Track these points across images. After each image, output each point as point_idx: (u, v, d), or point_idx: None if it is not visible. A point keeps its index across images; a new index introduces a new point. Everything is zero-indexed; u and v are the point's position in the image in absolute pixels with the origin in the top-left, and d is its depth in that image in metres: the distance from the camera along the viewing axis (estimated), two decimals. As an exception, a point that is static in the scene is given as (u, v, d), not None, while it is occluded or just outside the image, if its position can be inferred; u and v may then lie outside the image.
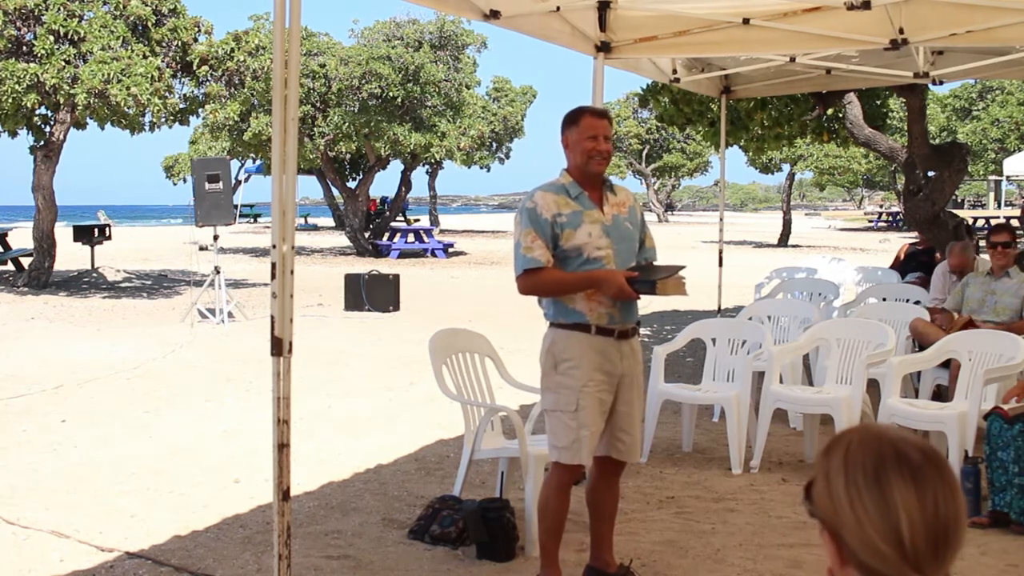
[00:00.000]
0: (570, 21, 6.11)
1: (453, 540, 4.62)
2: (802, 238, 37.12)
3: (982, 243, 7.96)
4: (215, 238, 13.38)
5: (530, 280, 3.88)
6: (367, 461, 6.19)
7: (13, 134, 15.70)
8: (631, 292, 3.82)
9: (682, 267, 3.99)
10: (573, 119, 3.96)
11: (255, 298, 15.74)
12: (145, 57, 14.64)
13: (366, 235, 27.75)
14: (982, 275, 7.09)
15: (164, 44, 15.33)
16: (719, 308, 9.50)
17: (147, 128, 15.77)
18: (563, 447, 3.91)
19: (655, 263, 4.11)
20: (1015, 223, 27.03)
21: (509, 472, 5.08)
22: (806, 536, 4.80)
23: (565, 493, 4.02)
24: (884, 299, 8.52)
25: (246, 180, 39.33)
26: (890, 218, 49.76)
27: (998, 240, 6.95)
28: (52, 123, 15.98)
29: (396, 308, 14.27)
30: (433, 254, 26.84)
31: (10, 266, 18.81)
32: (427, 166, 36.65)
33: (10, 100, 14.12)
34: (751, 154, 20.05)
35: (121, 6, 14.92)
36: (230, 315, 12.80)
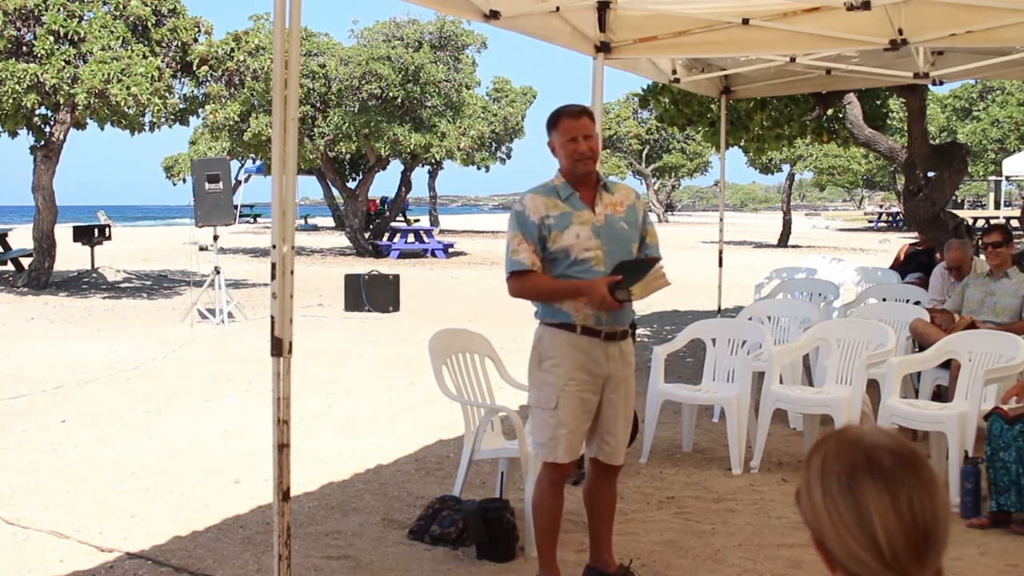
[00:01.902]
0: (570, 21, 6.11)
1: (453, 540, 4.62)
2: (802, 238, 37.12)
3: (981, 244, 7.96)
4: (215, 238, 13.38)
5: (517, 283, 3.90)
6: (367, 461, 6.19)
7: (13, 134, 15.70)
8: (613, 303, 3.79)
9: (656, 259, 3.94)
10: (552, 122, 3.95)
11: (255, 298, 15.74)
12: (145, 57, 14.64)
13: (366, 235, 27.75)
14: (981, 276, 7.10)
15: (164, 44, 15.33)
16: (719, 308, 9.50)
17: (147, 128, 15.77)
18: (540, 443, 3.95)
19: (635, 259, 3.99)
20: (1015, 223, 27.09)
21: (509, 472, 5.08)
22: (806, 536, 4.77)
23: (557, 491, 4.03)
24: (884, 299, 8.52)
25: (246, 180, 39.35)
26: (890, 218, 49.75)
27: (990, 240, 6.98)
28: (52, 123, 15.98)
29: (396, 308, 14.27)
30: (433, 254, 26.84)
31: (10, 266, 18.81)
32: (427, 166, 36.64)
33: (10, 100, 14.12)
34: (751, 154, 20.03)
35: (121, 6, 14.92)
36: (230, 315, 12.80)
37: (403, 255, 26.34)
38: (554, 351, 3.90)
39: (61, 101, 14.49)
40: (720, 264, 9.41)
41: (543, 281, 3.88)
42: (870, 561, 1.30)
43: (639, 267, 3.93)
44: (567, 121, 3.91)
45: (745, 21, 6.06)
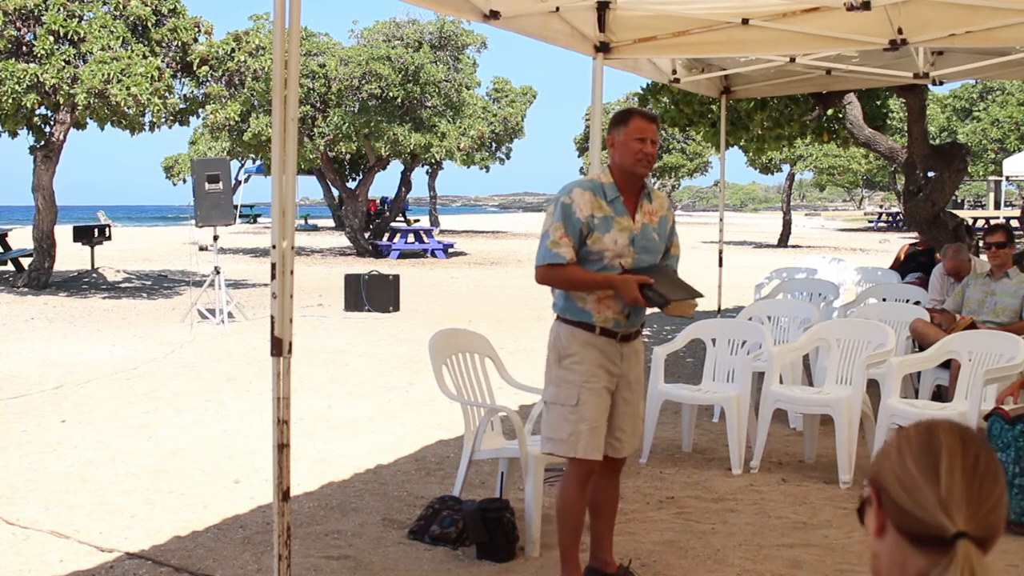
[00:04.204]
0: (569, 21, 6.11)
1: (453, 540, 4.62)
2: (802, 238, 37.13)
3: (982, 244, 7.98)
4: (215, 238, 13.39)
5: (550, 273, 3.91)
6: (367, 461, 6.20)
7: (13, 134, 15.69)
8: (644, 302, 3.86)
9: (700, 295, 4.01)
10: (622, 119, 3.97)
11: (255, 298, 15.74)
12: (145, 57, 14.63)
13: (366, 235, 27.75)
14: (982, 276, 7.10)
15: (164, 44, 15.33)
16: (719, 308, 9.51)
17: (147, 128, 15.76)
18: (559, 439, 3.93)
19: (676, 277, 4.07)
20: (1015, 223, 27.09)
21: (509, 472, 5.08)
22: (806, 536, 4.81)
23: (584, 491, 4.02)
24: (884, 299, 8.52)
25: (246, 180, 39.38)
26: (890, 218, 49.76)
27: (992, 240, 6.98)
28: (52, 123, 15.97)
29: (396, 308, 14.27)
30: (433, 254, 26.83)
31: (10, 266, 18.80)
32: (427, 166, 36.64)
33: (10, 100, 14.12)
34: (751, 154, 20.05)
35: (121, 6, 14.91)
36: (230, 315, 12.80)
37: (403, 255, 26.34)
38: (574, 348, 3.92)
39: (61, 101, 14.48)
40: (720, 264, 9.42)
41: (577, 273, 3.89)
42: (926, 492, 1.31)
43: (677, 285, 3.98)
44: (641, 121, 3.93)
45: (745, 21, 6.06)
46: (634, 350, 4.04)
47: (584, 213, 3.86)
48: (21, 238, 20.20)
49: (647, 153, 3.90)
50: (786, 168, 35.96)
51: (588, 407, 3.89)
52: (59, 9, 14.42)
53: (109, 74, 14.04)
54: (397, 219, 31.92)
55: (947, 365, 6.41)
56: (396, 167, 29.10)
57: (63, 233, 17.57)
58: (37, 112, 15.42)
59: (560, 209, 3.89)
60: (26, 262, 17.68)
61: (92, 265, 19.60)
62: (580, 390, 3.89)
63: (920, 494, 1.31)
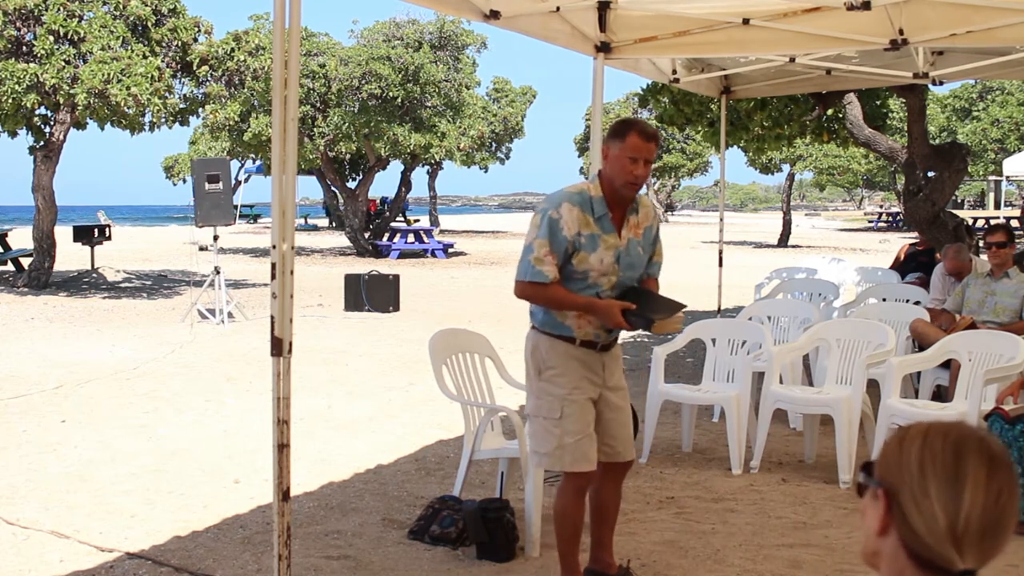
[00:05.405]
0: (570, 21, 6.11)
1: (453, 540, 4.62)
2: (802, 238, 37.13)
3: (982, 243, 7.98)
4: (215, 238, 13.39)
5: (529, 290, 3.82)
6: (367, 461, 6.20)
7: (13, 134, 15.69)
8: (627, 326, 3.80)
9: (683, 306, 3.92)
10: (620, 133, 3.75)
11: (255, 298, 15.74)
12: (145, 57, 14.63)
13: (366, 235, 27.75)
14: (982, 276, 7.10)
15: (164, 44, 15.33)
16: (719, 308, 9.51)
17: (147, 128, 15.76)
18: (544, 453, 3.89)
19: (657, 294, 4.00)
20: (1015, 223, 27.10)
21: (509, 472, 5.08)
22: (806, 536, 4.81)
23: (581, 499, 3.98)
24: (884, 299, 8.52)
25: (246, 180, 39.38)
26: (890, 218, 49.78)
27: (993, 240, 6.98)
28: (52, 123, 15.97)
29: (396, 308, 14.27)
30: (433, 254, 26.84)
31: (10, 266, 18.81)
32: (427, 166, 36.64)
33: (10, 100, 14.12)
34: (751, 154, 20.06)
35: (121, 6, 14.91)
36: (230, 315, 12.80)
37: (403, 255, 26.34)
38: (554, 360, 3.86)
39: (61, 101, 14.48)
40: (720, 264, 9.42)
41: (559, 293, 3.79)
42: (942, 524, 1.29)
43: (659, 303, 3.91)
44: (638, 139, 3.72)
45: (745, 21, 6.07)
46: (613, 357, 4.00)
47: (571, 231, 3.73)
48: (21, 238, 20.20)
49: (638, 176, 3.73)
50: (786, 168, 35.97)
51: (571, 420, 3.83)
52: (59, 9, 14.42)
53: (109, 74, 14.03)
54: (397, 219, 31.93)
55: (947, 365, 6.41)
56: (396, 167, 29.13)
57: (63, 233, 17.58)
58: (37, 112, 15.41)
59: (547, 224, 3.75)
60: (26, 262, 17.69)
61: (92, 265, 19.60)
62: (563, 403, 3.83)
63: (935, 523, 1.30)
